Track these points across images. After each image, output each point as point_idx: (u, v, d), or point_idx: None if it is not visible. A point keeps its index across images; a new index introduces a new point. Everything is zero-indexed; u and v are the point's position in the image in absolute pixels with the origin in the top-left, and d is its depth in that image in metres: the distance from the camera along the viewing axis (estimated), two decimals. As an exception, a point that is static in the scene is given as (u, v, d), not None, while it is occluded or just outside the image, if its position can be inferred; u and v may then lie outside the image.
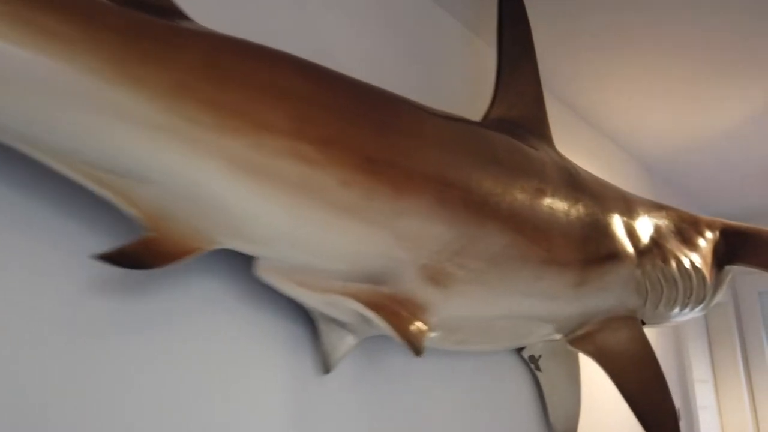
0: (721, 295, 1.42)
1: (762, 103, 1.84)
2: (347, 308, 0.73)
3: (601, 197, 1.20)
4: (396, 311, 0.77)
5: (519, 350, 1.29)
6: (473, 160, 0.90)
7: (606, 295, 1.15)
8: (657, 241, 1.28)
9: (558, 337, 1.15)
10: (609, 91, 1.78)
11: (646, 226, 1.29)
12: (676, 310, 1.28)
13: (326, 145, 0.63)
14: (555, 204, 1.04)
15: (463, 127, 0.95)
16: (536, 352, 1.30)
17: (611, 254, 1.15)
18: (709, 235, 1.43)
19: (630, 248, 1.20)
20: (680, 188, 2.47)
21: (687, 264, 1.28)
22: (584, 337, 1.16)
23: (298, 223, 0.63)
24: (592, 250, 1.10)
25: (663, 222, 1.36)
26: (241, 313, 0.77)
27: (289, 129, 0.60)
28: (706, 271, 1.33)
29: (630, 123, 1.97)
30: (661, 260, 1.25)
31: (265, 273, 0.67)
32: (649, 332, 1.94)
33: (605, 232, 1.15)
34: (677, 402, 2.09)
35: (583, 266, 1.08)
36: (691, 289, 1.27)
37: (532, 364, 1.30)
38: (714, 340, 2.86)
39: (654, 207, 1.39)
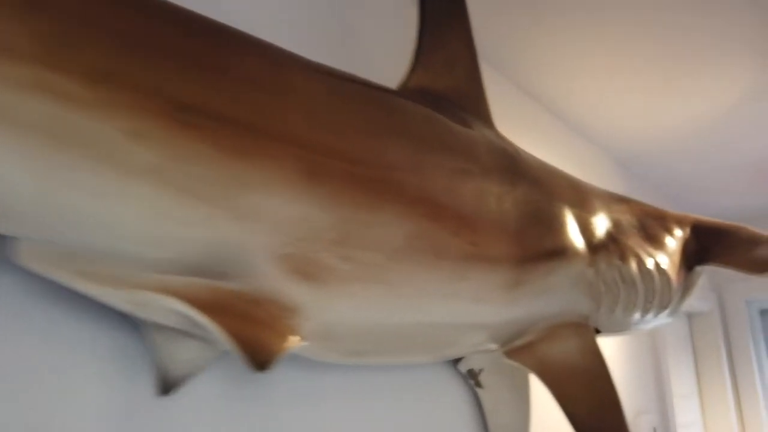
0: (692, 299, 1.25)
1: (742, 92, 1.68)
2: (166, 309, 0.55)
3: (547, 185, 1.03)
4: (244, 313, 0.59)
5: (456, 362, 1.11)
6: (369, 128, 0.73)
7: (550, 298, 0.98)
8: (615, 236, 1.11)
9: (493, 347, 0.98)
10: (577, 82, 1.62)
11: (602, 220, 1.11)
12: (637, 315, 1.10)
13: (100, 78, 0.45)
14: (485, 189, 0.87)
15: (362, 89, 0.77)
16: (476, 366, 1.12)
17: (556, 250, 0.98)
18: (677, 232, 1.26)
19: (581, 244, 1.03)
20: (658, 186, 2.30)
21: (649, 263, 1.11)
22: (524, 347, 0.99)
23: (54, 187, 0.45)
24: (532, 245, 0.93)
25: (623, 216, 1.19)
26: (46, 316, 0.59)
27: (38, 54, 0.43)
28: (672, 272, 1.16)
29: (601, 116, 1.81)
30: (619, 258, 1.08)
31: (29, 259, 0.50)
32: (623, 342, 1.80)
33: (549, 225, 0.98)
34: (655, 419, 1.91)
35: (520, 264, 0.90)
36: (653, 291, 1.10)
37: (471, 379, 1.13)
38: (699, 352, 2.68)
39: (614, 199, 1.22)
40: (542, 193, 1.00)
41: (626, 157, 2.07)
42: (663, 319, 1.19)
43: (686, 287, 1.22)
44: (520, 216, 0.93)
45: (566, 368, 0.99)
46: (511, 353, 0.98)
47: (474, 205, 0.84)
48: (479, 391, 1.13)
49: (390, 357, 0.90)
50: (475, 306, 0.87)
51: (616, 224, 1.15)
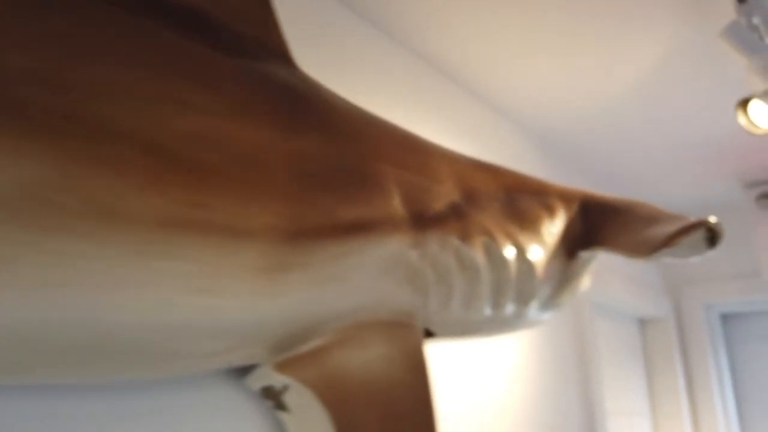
0: (574, 293, 0.99)
1: (671, 48, 1.43)
2: None
3: (360, 139, 0.77)
4: None
5: (247, 370, 0.83)
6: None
7: (344, 288, 0.71)
8: (460, 210, 0.85)
9: (257, 356, 0.71)
10: (485, 49, 1.37)
11: (444, 189, 0.85)
12: (485, 312, 0.84)
13: None
14: (226, 132, 0.61)
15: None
16: (277, 381, 0.84)
17: (357, 223, 0.72)
18: (559, 209, 1.00)
19: (401, 217, 0.77)
20: (582, 167, 2.03)
21: (505, 246, 0.85)
22: (306, 357, 0.72)
23: None
24: (313, 215, 0.67)
25: (483, 187, 0.93)
26: None
27: None
28: (541, 258, 0.90)
29: (514, 88, 1.56)
30: (460, 238, 0.82)
31: None
32: (532, 349, 1.45)
33: (349, 190, 0.72)
34: (582, 443, 1.63)
35: (289, 240, 0.64)
36: (506, 281, 0.84)
37: (270, 400, 0.85)
38: (652, 363, 2.41)
39: (474, 166, 0.96)
40: (346, 148, 0.74)
41: (551, 138, 1.81)
42: (533, 318, 0.92)
43: (566, 277, 0.95)
44: (296, 175, 0.66)
45: (365, 387, 0.72)
46: (284, 366, 0.71)
47: (201, 152, 0.58)
48: (283, 416, 0.86)
49: (71, 371, 0.63)
50: (200, 298, 0.60)
51: (468, 196, 0.88)
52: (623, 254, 0.91)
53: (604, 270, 2.05)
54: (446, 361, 1.22)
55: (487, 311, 0.84)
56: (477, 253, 0.81)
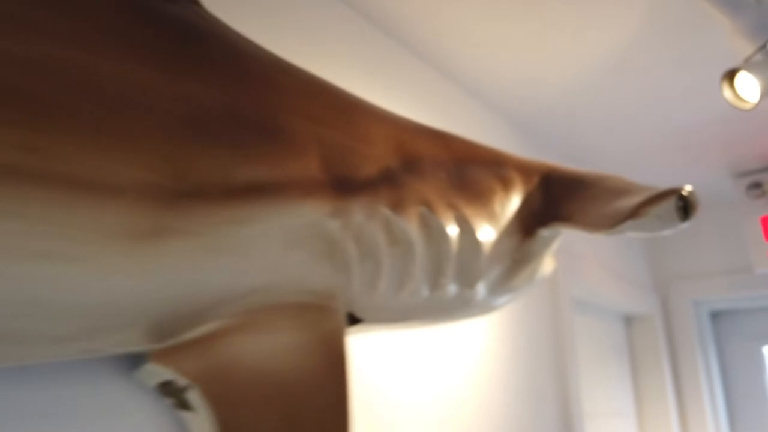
0: (534, 276, 0.87)
1: (650, 16, 1.31)
2: None
3: (269, 87, 0.65)
4: None
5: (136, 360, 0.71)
6: None
7: (244, 262, 0.60)
8: (394, 177, 0.73)
9: (133, 344, 0.59)
10: (447, 19, 1.25)
11: (374, 152, 0.73)
12: (422, 293, 0.72)
13: None
14: (99, 67, 0.50)
15: None
16: (180, 376, 0.72)
17: (259, 184, 0.60)
18: (516, 182, 0.88)
19: (318, 179, 0.65)
20: (561, 151, 1.92)
21: (447, 219, 0.73)
22: (189, 347, 0.60)
23: None
24: (201, 172, 0.55)
25: (429, 153, 0.81)
26: None
27: None
28: (490, 234, 0.78)
29: (487, 69, 1.44)
30: (391, 207, 0.70)
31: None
32: (501, 342, 1.24)
33: (248, 144, 0.60)
34: (558, 446, 1.51)
35: (167, 199, 0.52)
36: (446, 258, 0.72)
37: (171, 397, 0.73)
38: (638, 362, 2.30)
39: (420, 131, 0.83)
40: (251, 97, 0.62)
41: (522, 120, 1.70)
42: (484, 301, 0.80)
43: (523, 257, 0.84)
44: (181, 124, 0.55)
45: (264, 380, 0.60)
46: (164, 355, 0.59)
47: (48, 85, 0.47)
48: (187, 415, 0.74)
49: None
50: (41, 265, 0.48)
51: (407, 162, 0.76)
52: (585, 230, 0.79)
53: (587, 264, 1.93)
54: (403, 348, 1.10)
55: (424, 292, 0.72)
56: (411, 225, 0.70)
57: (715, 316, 2.45)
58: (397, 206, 0.70)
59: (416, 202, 0.72)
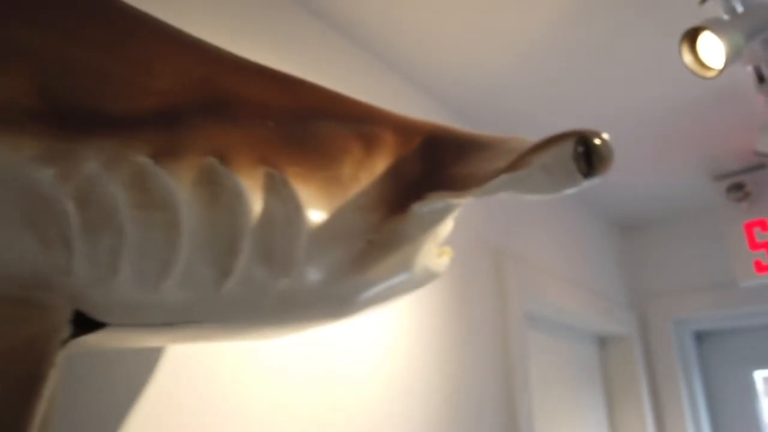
0: (407, 267, 0.63)
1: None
2: None
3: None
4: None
5: None
6: None
7: None
8: (179, 118, 0.51)
9: None
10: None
11: (158, 85, 0.51)
12: (203, 282, 0.49)
13: None
14: None
15: None
16: None
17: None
18: (386, 144, 0.65)
19: (27, 108, 0.43)
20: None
21: (250, 177, 0.51)
22: None
23: None
24: None
25: (250, 97, 0.58)
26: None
27: None
28: (326, 204, 0.55)
29: (420, 52, 1.23)
30: (153, 154, 0.47)
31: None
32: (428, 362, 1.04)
33: None
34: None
35: None
36: (242, 230, 0.49)
37: None
38: (613, 388, 2.05)
39: (251, 70, 0.61)
40: None
41: (464, 109, 1.48)
42: (315, 299, 0.57)
43: (385, 239, 0.61)
44: None
45: None
46: None
47: None
48: None
49: None
50: None
51: (213, 103, 0.54)
52: (458, 196, 0.57)
53: (556, 279, 1.70)
54: (297, 354, 0.87)
55: (206, 281, 0.49)
56: (181, 182, 0.47)
57: (700, 337, 2.21)
58: (166, 154, 0.48)
59: (202, 151, 0.50)
